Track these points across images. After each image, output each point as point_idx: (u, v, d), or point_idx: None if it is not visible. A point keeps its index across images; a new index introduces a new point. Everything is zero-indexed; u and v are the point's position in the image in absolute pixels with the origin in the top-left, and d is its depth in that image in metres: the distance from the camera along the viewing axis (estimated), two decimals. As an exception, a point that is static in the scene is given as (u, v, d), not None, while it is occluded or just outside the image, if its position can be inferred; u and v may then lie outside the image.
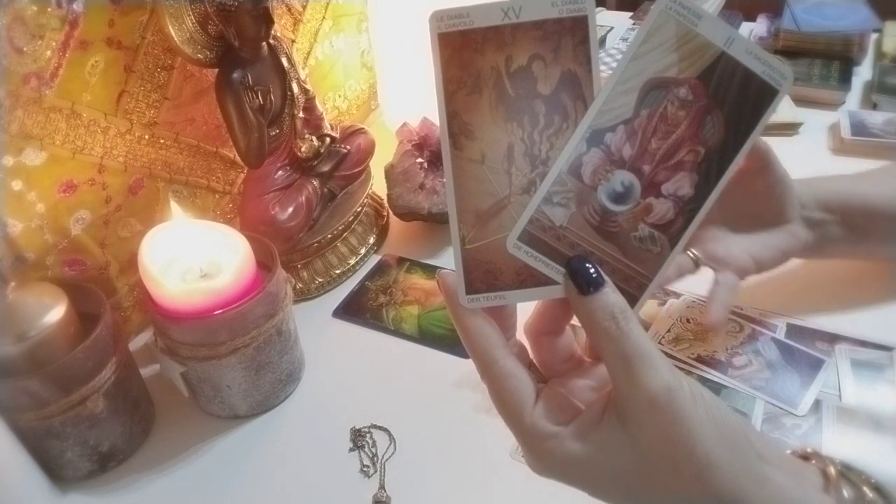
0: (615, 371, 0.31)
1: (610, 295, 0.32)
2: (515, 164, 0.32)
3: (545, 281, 0.33)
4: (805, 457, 0.34)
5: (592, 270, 0.32)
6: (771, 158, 0.56)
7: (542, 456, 0.33)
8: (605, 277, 0.32)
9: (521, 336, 0.37)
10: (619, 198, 0.32)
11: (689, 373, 0.58)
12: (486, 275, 0.33)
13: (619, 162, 0.32)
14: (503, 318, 0.35)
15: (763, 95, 0.31)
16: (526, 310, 0.36)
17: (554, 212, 0.32)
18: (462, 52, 0.31)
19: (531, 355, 0.37)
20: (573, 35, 0.31)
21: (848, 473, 0.33)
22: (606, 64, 1.00)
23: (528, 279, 0.33)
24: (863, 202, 0.59)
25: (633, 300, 0.33)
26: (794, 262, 0.62)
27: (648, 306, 0.65)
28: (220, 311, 0.54)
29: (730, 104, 0.31)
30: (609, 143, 0.32)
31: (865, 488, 0.32)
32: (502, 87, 0.31)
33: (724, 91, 0.31)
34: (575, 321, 0.34)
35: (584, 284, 0.32)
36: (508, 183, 0.32)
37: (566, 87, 0.31)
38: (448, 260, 0.75)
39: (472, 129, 0.32)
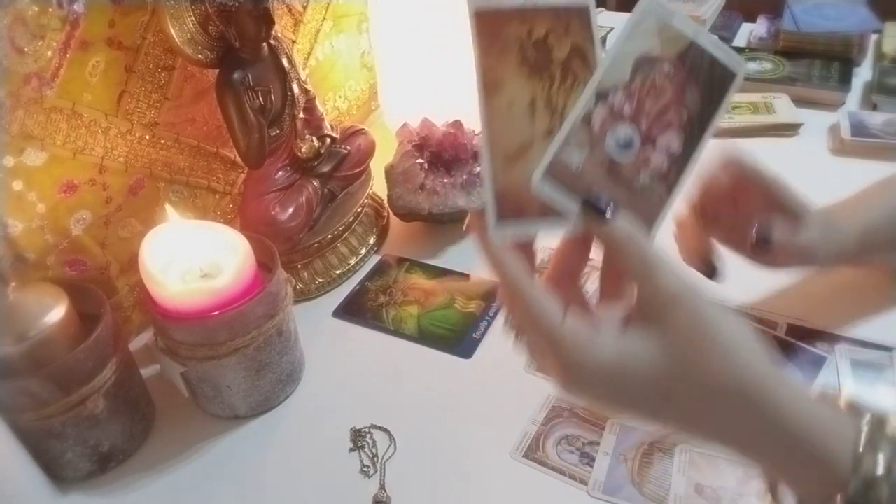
0: (638, 277, 0.35)
1: (625, 219, 0.36)
2: (538, 113, 0.37)
3: (566, 215, 0.37)
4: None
5: (608, 200, 0.36)
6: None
7: (575, 369, 0.35)
8: (619, 208, 0.36)
9: None
10: (623, 147, 0.38)
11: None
12: (514, 208, 0.37)
13: (622, 117, 0.37)
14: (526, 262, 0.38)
15: (725, 78, 0.38)
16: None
17: (571, 156, 0.37)
18: (493, 24, 0.37)
19: None
20: (579, 18, 0.38)
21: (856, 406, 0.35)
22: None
23: (551, 213, 0.37)
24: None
25: None
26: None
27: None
28: (220, 312, 0.54)
29: (702, 82, 0.38)
30: (612, 102, 0.37)
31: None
32: (526, 51, 0.37)
33: (697, 71, 0.38)
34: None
35: (602, 212, 0.36)
36: (532, 129, 0.37)
37: (576, 56, 0.38)
38: (448, 260, 0.75)
39: (502, 82, 0.37)
